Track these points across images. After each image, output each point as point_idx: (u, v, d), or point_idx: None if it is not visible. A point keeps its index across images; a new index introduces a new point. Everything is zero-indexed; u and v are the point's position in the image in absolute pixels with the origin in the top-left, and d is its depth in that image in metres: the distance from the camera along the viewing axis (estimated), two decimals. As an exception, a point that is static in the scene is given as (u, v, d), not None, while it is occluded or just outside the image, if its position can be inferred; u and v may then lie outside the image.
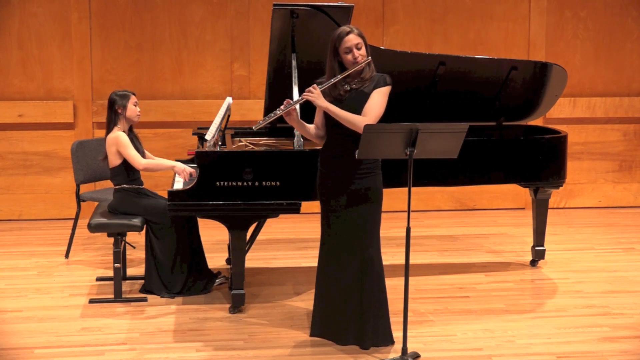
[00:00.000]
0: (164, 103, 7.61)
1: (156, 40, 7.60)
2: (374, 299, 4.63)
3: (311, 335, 4.84)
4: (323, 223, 4.71)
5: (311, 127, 4.68)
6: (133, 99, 5.55)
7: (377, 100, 4.50)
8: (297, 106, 4.63)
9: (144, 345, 4.75)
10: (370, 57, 4.51)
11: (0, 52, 7.47)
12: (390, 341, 4.69)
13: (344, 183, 4.58)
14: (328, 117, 4.56)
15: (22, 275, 6.04)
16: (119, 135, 5.46)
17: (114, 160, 5.49)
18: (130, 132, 5.58)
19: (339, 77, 4.48)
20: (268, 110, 5.92)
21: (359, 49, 4.46)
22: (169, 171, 5.69)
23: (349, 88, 4.54)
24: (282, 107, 4.54)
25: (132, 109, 5.53)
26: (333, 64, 4.51)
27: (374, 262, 4.62)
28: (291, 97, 5.28)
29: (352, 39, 4.45)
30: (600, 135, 8.21)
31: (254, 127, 4.67)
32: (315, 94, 4.46)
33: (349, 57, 4.46)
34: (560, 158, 6.00)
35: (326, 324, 4.76)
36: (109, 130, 5.52)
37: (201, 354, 4.64)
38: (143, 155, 5.64)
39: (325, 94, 4.51)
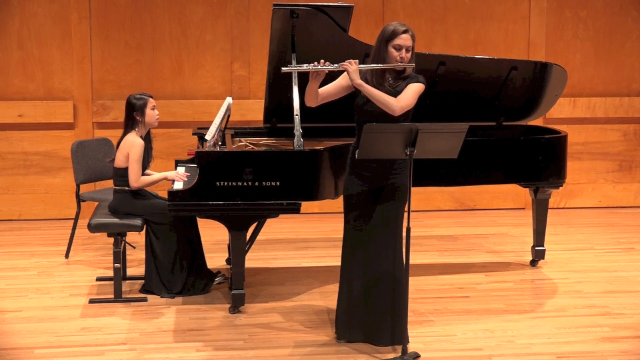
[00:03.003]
0: (164, 103, 7.60)
1: (156, 40, 7.61)
2: (390, 294, 4.62)
3: (338, 339, 4.79)
4: (348, 220, 4.69)
5: (318, 89, 4.65)
6: (151, 102, 5.51)
7: (410, 92, 4.52)
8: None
9: (144, 345, 4.75)
10: (414, 65, 4.54)
11: (0, 52, 7.47)
12: (403, 340, 4.62)
13: (377, 180, 4.59)
14: (361, 114, 4.57)
15: (22, 275, 6.04)
16: (135, 142, 5.42)
17: (123, 162, 5.47)
18: (147, 136, 5.57)
19: (380, 65, 4.51)
20: (268, 110, 5.93)
21: (407, 51, 4.51)
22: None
23: (390, 84, 4.57)
24: (316, 63, 4.51)
25: (151, 114, 5.51)
26: (383, 53, 4.52)
27: (396, 258, 4.62)
28: (292, 97, 5.28)
29: (406, 39, 4.50)
30: (600, 135, 8.21)
31: (282, 69, 4.73)
32: (353, 67, 4.48)
33: (396, 54, 4.50)
34: (560, 158, 6.00)
35: (350, 324, 4.74)
36: (126, 132, 5.51)
37: (201, 354, 4.64)
38: (147, 163, 5.60)
39: (368, 81, 4.53)
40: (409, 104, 4.51)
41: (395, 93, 4.53)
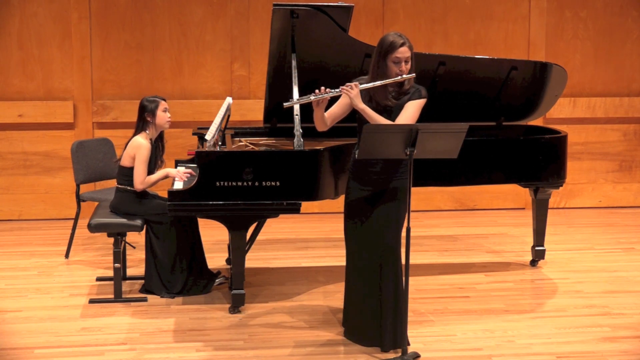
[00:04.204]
0: (164, 103, 7.60)
1: (156, 40, 7.60)
2: (392, 297, 4.61)
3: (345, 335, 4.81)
4: (349, 224, 4.69)
5: (324, 114, 4.66)
6: (162, 105, 5.53)
7: (411, 112, 4.53)
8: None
9: (144, 345, 4.75)
10: (414, 74, 4.53)
11: (0, 52, 7.47)
12: (403, 342, 4.60)
13: (379, 184, 4.59)
14: (361, 120, 4.56)
15: (22, 275, 6.04)
16: (142, 144, 5.44)
17: (129, 162, 5.48)
18: (159, 140, 5.59)
19: (379, 83, 4.50)
20: (268, 110, 5.93)
21: (406, 62, 4.50)
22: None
23: (392, 97, 4.56)
24: (317, 92, 4.51)
25: (162, 116, 5.52)
26: (382, 67, 4.51)
27: (397, 260, 4.61)
28: (292, 97, 5.28)
29: (404, 52, 4.48)
30: (600, 135, 8.21)
31: (284, 104, 4.71)
32: (354, 92, 4.48)
33: (395, 68, 4.49)
34: (560, 158, 6.00)
35: (351, 325, 4.76)
36: (136, 133, 5.52)
37: (201, 354, 4.64)
38: (155, 166, 5.60)
39: (366, 98, 4.53)
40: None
41: (399, 107, 4.53)
